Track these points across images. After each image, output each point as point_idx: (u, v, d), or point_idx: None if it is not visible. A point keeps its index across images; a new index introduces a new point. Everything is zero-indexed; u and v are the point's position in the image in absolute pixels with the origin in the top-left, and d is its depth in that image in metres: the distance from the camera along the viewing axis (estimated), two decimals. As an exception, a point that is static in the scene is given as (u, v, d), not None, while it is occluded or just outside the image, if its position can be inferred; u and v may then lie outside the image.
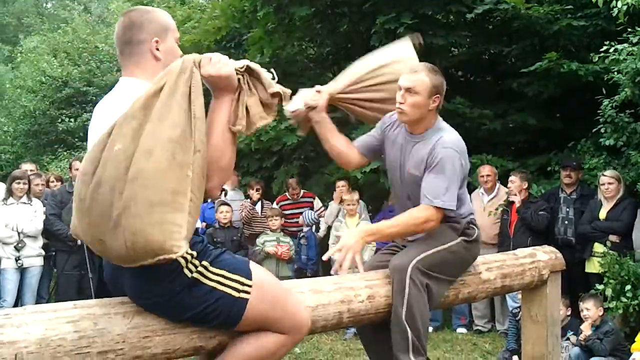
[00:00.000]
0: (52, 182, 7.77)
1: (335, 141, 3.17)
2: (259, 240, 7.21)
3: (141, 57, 2.14)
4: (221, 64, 2.04)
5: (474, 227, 3.04)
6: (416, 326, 2.76)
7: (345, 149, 3.19)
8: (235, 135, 2.10)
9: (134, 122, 1.87)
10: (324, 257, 2.80)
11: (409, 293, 2.73)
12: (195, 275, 2.02)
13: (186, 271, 2.00)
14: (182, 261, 1.99)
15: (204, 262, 2.05)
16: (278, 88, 2.17)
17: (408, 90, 2.87)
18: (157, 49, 2.14)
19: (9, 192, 6.54)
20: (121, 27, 2.18)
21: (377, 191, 7.92)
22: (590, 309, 5.22)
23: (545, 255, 3.54)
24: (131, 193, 1.82)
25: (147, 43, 2.14)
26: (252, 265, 2.19)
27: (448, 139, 2.90)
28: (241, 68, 2.09)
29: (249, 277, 2.12)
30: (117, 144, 1.86)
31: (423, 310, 2.78)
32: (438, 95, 2.91)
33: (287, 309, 2.21)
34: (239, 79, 2.09)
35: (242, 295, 2.08)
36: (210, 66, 2.03)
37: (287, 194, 8.03)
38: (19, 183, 6.54)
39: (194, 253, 2.03)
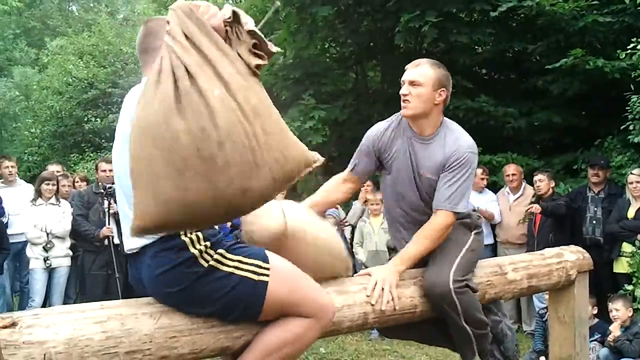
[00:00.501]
0: (78, 182, 7.85)
1: (322, 207, 3.13)
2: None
3: None
4: (209, 16, 1.93)
5: (477, 214, 3.07)
6: (474, 319, 2.79)
7: (332, 200, 3.22)
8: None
9: (209, 66, 1.83)
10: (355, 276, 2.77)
11: (460, 303, 2.73)
12: (212, 263, 2.04)
13: (201, 261, 2.02)
14: (196, 252, 2.02)
15: (220, 250, 2.07)
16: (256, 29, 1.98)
17: (412, 83, 2.83)
18: None
19: (38, 193, 6.63)
20: (141, 36, 2.29)
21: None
22: (619, 310, 5.16)
23: (573, 256, 3.49)
24: (262, 128, 1.81)
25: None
26: (268, 252, 2.19)
27: (465, 141, 2.86)
28: (229, 18, 1.97)
29: (266, 261, 2.13)
30: (215, 89, 1.79)
31: (474, 303, 2.81)
32: (444, 89, 2.85)
33: (308, 291, 2.21)
34: (226, 30, 1.97)
35: (262, 278, 2.08)
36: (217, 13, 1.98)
37: None
38: (47, 184, 6.62)
39: (208, 244, 2.05)
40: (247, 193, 1.79)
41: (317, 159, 1.93)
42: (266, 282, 2.09)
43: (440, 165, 2.84)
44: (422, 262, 2.86)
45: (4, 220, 6.57)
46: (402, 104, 2.86)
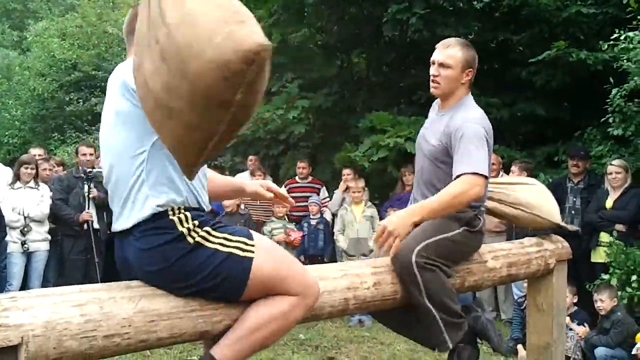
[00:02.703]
0: (54, 168, 7.68)
1: None
2: (266, 229, 7.20)
3: None
4: None
5: (480, 218, 3.01)
6: (441, 302, 2.78)
7: None
8: None
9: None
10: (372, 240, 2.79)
11: (422, 278, 2.73)
12: (198, 239, 2.06)
13: (189, 238, 2.05)
14: (185, 230, 2.05)
15: (206, 228, 2.09)
16: None
17: (441, 64, 2.97)
18: None
19: (17, 177, 6.56)
20: (127, 18, 2.32)
21: (384, 180, 7.93)
22: (604, 301, 5.22)
23: (552, 245, 3.53)
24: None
25: None
26: (252, 231, 2.22)
27: (474, 116, 2.94)
28: None
29: (251, 238, 2.15)
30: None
31: (441, 284, 2.79)
32: (471, 69, 3.00)
33: (292, 269, 2.22)
34: None
35: (247, 254, 2.10)
36: None
37: (296, 177, 8.04)
38: (26, 168, 6.55)
39: (196, 222, 2.08)
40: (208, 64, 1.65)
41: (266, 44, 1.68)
42: (252, 258, 2.10)
43: (441, 132, 2.93)
44: None
45: None
46: (432, 83, 3.03)
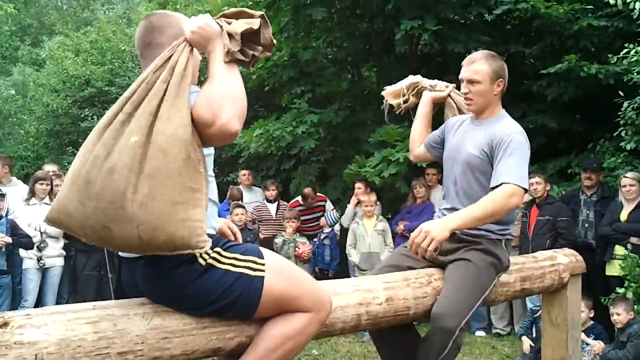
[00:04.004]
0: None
1: (418, 127, 3.40)
2: (277, 241, 7.20)
3: None
4: (197, 18, 2.09)
5: (509, 254, 3.03)
6: None
7: (418, 137, 3.39)
8: (237, 67, 2.09)
9: (149, 117, 1.93)
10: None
11: (447, 355, 2.69)
12: (210, 261, 2.05)
13: (200, 260, 2.04)
14: (196, 252, 2.03)
15: (217, 249, 2.09)
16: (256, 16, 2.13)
17: (470, 81, 2.97)
18: None
19: (32, 193, 6.62)
20: (142, 30, 2.24)
21: (395, 195, 7.92)
22: (620, 314, 5.17)
23: (566, 258, 3.50)
24: (149, 190, 1.87)
25: (167, 46, 2.15)
26: (262, 249, 2.22)
27: (517, 127, 2.95)
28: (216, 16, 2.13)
29: (261, 257, 2.15)
30: (134, 135, 1.90)
31: (454, 352, 2.76)
32: (501, 79, 2.99)
33: (304, 285, 2.21)
34: (217, 22, 2.10)
35: (258, 274, 2.10)
36: (188, 26, 2.08)
37: (299, 200, 8.03)
38: (41, 184, 6.62)
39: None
40: (109, 232, 1.91)
41: (202, 246, 1.96)
42: (262, 277, 2.10)
43: (485, 143, 2.91)
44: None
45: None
46: (465, 102, 3.04)
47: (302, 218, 7.69)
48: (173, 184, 1.90)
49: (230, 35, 2.06)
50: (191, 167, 1.93)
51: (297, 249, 7.08)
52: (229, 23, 2.10)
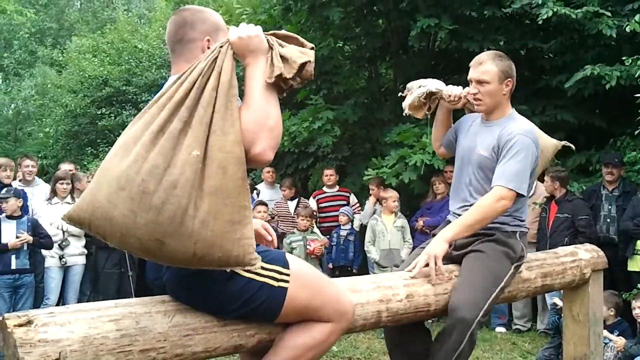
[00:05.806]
0: (88, 182, 7.85)
1: (438, 133, 3.42)
2: (286, 241, 7.16)
3: (192, 55, 2.13)
4: (249, 27, 2.05)
5: (525, 249, 3.03)
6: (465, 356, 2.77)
7: (439, 140, 3.45)
8: (276, 92, 2.05)
9: (206, 128, 1.90)
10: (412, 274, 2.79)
11: (462, 349, 2.71)
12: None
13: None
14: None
15: None
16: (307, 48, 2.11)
17: (478, 82, 2.98)
18: (209, 48, 2.12)
19: (54, 192, 6.71)
20: (173, 25, 2.20)
21: (410, 194, 7.91)
22: None
23: (587, 254, 3.48)
24: (211, 207, 1.86)
25: (199, 42, 2.15)
26: (289, 256, 2.21)
27: (524, 127, 2.96)
28: (268, 32, 2.11)
29: (286, 267, 2.14)
30: (194, 149, 1.88)
31: (473, 344, 2.79)
32: (509, 79, 3.00)
33: (327, 295, 2.21)
34: (267, 40, 2.07)
35: (281, 284, 2.10)
36: (237, 31, 2.04)
37: (324, 187, 8.07)
38: (62, 183, 6.70)
39: None
40: (160, 245, 1.86)
41: (254, 263, 1.96)
42: (285, 288, 2.10)
43: (495, 144, 2.94)
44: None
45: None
46: (474, 102, 3.04)
47: (322, 206, 7.73)
48: (232, 203, 1.89)
49: (284, 59, 2.03)
50: (245, 186, 1.93)
51: (307, 246, 7.05)
52: (281, 45, 2.06)
